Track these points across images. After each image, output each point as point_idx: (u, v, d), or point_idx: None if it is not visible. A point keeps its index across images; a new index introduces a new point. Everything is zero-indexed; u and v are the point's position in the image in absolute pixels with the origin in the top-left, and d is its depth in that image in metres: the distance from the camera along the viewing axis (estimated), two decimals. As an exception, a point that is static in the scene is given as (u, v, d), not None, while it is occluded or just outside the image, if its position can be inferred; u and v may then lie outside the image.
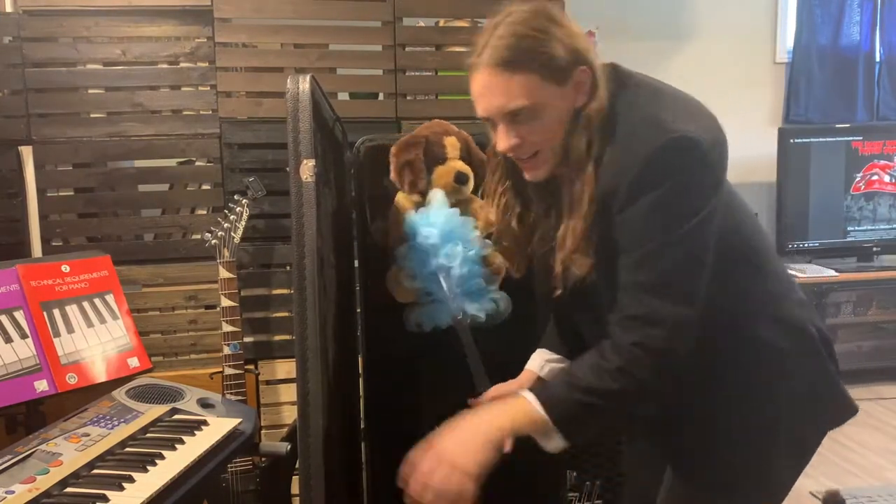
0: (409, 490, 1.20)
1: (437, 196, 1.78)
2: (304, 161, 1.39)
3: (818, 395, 1.32)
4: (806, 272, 3.99)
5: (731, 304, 1.27)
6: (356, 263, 2.01)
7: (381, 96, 2.64)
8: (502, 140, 1.25)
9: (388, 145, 1.85)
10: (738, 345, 1.28)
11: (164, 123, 2.50)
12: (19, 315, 1.73)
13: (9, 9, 2.52)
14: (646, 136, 1.16)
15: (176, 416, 1.58)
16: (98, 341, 1.83)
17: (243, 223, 2.26)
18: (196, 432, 1.50)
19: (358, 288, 2.03)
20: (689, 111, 1.23)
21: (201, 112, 2.52)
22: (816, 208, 4.13)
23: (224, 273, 2.22)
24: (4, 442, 1.52)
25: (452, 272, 1.71)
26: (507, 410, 1.22)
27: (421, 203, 1.81)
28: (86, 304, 1.86)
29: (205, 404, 1.66)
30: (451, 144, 1.84)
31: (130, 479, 1.29)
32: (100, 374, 1.80)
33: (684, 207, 1.16)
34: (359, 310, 2.04)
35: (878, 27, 4.31)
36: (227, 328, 2.23)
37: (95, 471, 1.33)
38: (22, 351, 1.70)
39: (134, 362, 1.88)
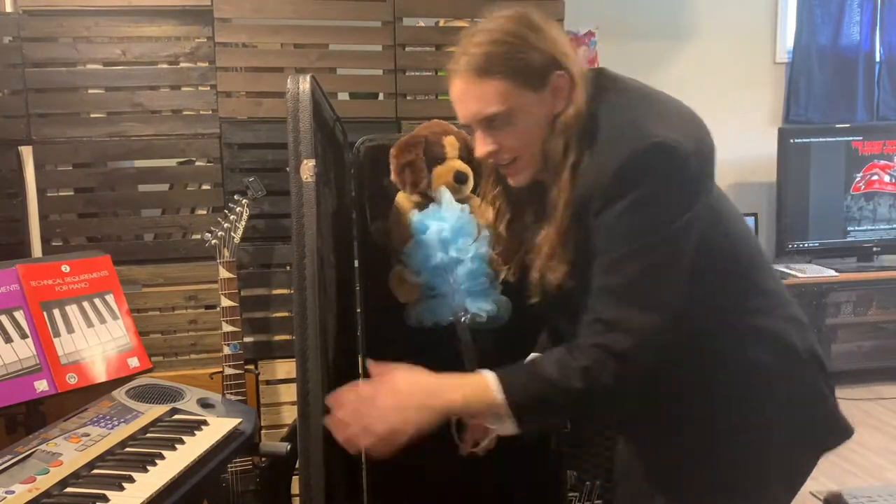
0: (340, 411, 1.21)
1: (445, 193, 1.78)
2: (305, 161, 1.39)
3: (807, 415, 1.29)
4: (806, 272, 3.99)
5: (710, 315, 1.25)
6: (356, 263, 2.01)
7: (381, 96, 2.64)
8: (480, 146, 1.26)
9: (388, 145, 1.85)
10: (719, 357, 1.26)
11: (164, 123, 2.50)
12: (19, 315, 1.73)
13: (9, 9, 2.52)
14: (622, 141, 1.15)
15: (176, 416, 1.58)
16: (98, 341, 1.83)
17: (243, 223, 2.26)
18: (196, 432, 1.50)
19: (358, 288, 2.03)
20: (673, 117, 1.21)
21: (201, 112, 2.52)
22: (816, 208, 4.13)
23: (224, 273, 2.22)
24: (4, 442, 1.52)
25: (461, 268, 1.71)
26: (464, 386, 1.22)
27: (422, 203, 1.81)
28: (86, 304, 1.86)
29: (205, 404, 1.67)
30: (451, 144, 1.84)
31: (130, 479, 1.29)
32: (100, 374, 1.80)
33: (659, 214, 1.14)
34: (359, 310, 2.04)
35: (878, 27, 4.31)
36: (227, 328, 2.23)
37: (95, 471, 1.33)
38: (22, 351, 1.70)
39: (134, 362, 1.88)
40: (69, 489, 1.27)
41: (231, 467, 2.19)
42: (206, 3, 2.45)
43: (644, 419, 1.35)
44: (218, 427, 1.53)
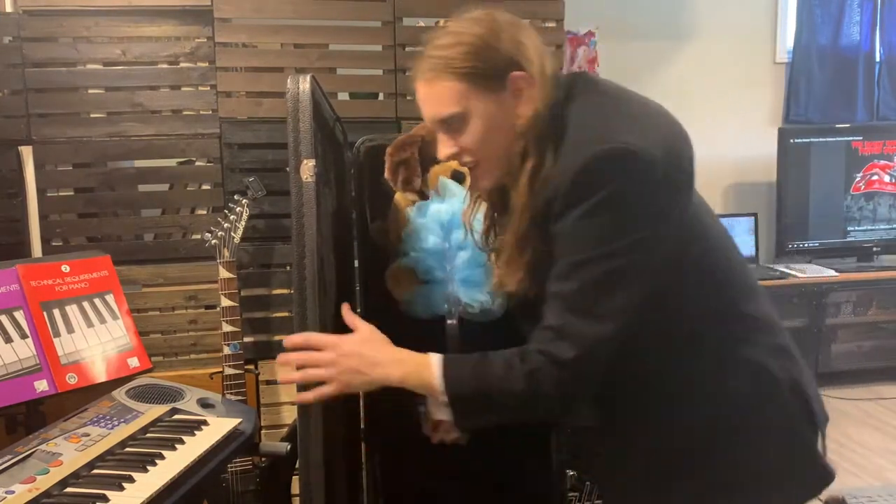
0: (294, 354, 1.29)
1: (447, 182, 1.77)
2: (304, 161, 1.39)
3: (781, 453, 1.22)
4: (806, 272, 4.00)
5: (687, 339, 1.21)
6: (356, 263, 2.01)
7: (381, 96, 2.64)
8: (441, 148, 1.26)
9: (387, 145, 1.85)
10: (697, 383, 1.22)
11: (164, 123, 2.50)
12: (19, 315, 1.73)
13: (9, 9, 2.52)
14: (584, 145, 1.12)
15: (176, 416, 1.58)
16: (98, 341, 1.83)
17: (243, 223, 2.26)
18: (196, 432, 1.50)
19: (358, 288, 2.03)
20: (645, 123, 1.16)
21: (201, 112, 2.52)
22: (816, 208, 4.14)
23: (224, 273, 2.22)
24: (4, 442, 1.52)
25: (460, 255, 1.69)
26: (407, 363, 1.25)
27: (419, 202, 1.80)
28: (86, 304, 1.86)
29: (205, 404, 1.66)
30: (449, 144, 1.83)
31: (130, 479, 1.29)
32: (100, 374, 1.80)
33: (618, 222, 1.11)
34: (359, 310, 2.04)
35: (878, 27, 4.31)
36: (227, 328, 2.23)
37: (95, 471, 1.33)
38: (22, 351, 1.70)
39: (134, 362, 1.88)
40: (69, 489, 1.27)
41: (231, 467, 2.19)
42: (206, 3, 2.45)
43: (610, 435, 1.31)
44: (218, 427, 1.53)
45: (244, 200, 2.27)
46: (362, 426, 2.04)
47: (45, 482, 1.25)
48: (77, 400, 1.67)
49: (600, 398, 1.25)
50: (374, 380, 1.27)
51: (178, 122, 2.51)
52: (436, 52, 1.21)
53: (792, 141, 4.08)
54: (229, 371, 2.22)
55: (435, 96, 1.22)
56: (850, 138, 4.14)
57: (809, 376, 1.28)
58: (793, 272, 4.00)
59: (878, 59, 4.34)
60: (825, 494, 2.63)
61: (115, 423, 1.50)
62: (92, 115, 2.47)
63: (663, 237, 1.13)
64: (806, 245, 4.16)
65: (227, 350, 2.22)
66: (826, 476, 1.25)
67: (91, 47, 2.45)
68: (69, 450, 1.37)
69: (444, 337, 1.74)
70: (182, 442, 1.45)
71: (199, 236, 2.46)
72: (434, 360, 1.22)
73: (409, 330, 1.81)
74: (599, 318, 1.12)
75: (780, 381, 1.22)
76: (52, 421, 1.53)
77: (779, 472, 1.22)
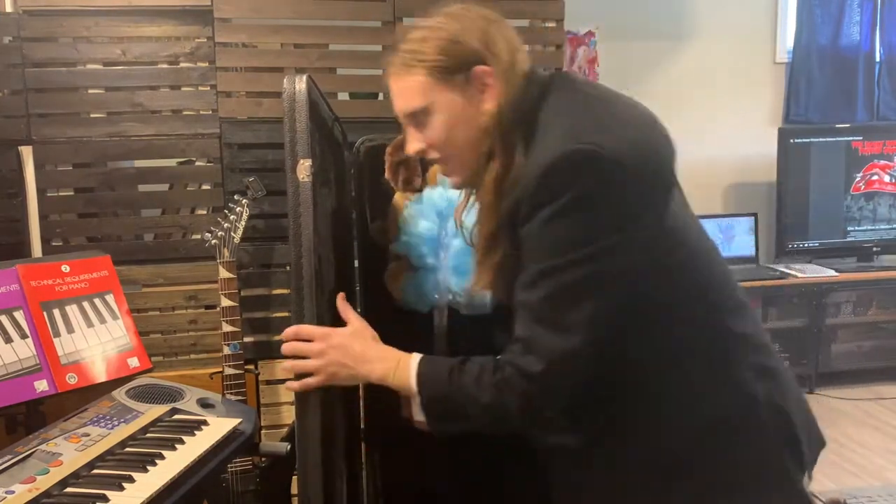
0: (294, 344, 1.31)
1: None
2: (301, 161, 1.38)
3: (760, 482, 1.16)
4: (806, 272, 4.00)
5: (664, 354, 1.16)
6: (356, 263, 2.01)
7: (381, 96, 2.64)
8: (409, 143, 1.27)
9: (387, 145, 1.85)
10: (673, 401, 1.17)
11: (164, 123, 2.50)
12: (19, 315, 1.73)
13: (9, 9, 2.52)
14: (552, 146, 1.07)
15: (176, 416, 1.58)
16: (98, 341, 1.83)
17: (243, 223, 2.26)
18: (196, 432, 1.50)
19: (358, 288, 2.03)
20: (620, 124, 1.11)
21: (201, 112, 2.52)
22: (816, 208, 4.14)
23: (224, 273, 2.22)
24: (4, 442, 1.52)
25: (455, 242, 1.66)
26: (389, 362, 1.26)
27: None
28: (86, 304, 1.86)
29: (205, 404, 1.66)
30: (450, 144, 1.83)
31: (130, 479, 1.29)
32: (100, 374, 1.80)
33: (584, 226, 1.06)
34: (359, 310, 2.04)
35: (878, 27, 4.31)
36: (227, 328, 2.23)
37: (95, 471, 1.33)
38: (22, 351, 1.70)
39: (134, 362, 1.88)
40: (69, 489, 1.27)
41: (231, 467, 2.19)
42: (206, 3, 2.45)
43: (586, 452, 1.25)
44: (218, 427, 1.53)
45: (244, 200, 2.27)
46: (362, 426, 2.04)
47: (45, 482, 1.25)
48: (77, 400, 1.67)
49: (580, 410, 1.20)
50: (358, 374, 1.28)
51: (178, 122, 2.51)
52: (406, 46, 1.22)
53: (792, 141, 4.08)
54: (229, 371, 2.22)
55: (403, 91, 1.23)
56: (850, 138, 4.14)
57: (799, 401, 1.23)
58: (793, 272, 4.00)
59: (878, 59, 4.34)
60: (827, 500, 2.63)
61: (115, 423, 1.50)
62: (92, 115, 2.48)
63: (635, 242, 1.08)
64: (806, 245, 4.16)
65: (227, 350, 2.22)
66: None
67: (91, 47, 2.45)
68: (69, 450, 1.37)
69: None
70: (182, 442, 1.45)
71: (199, 236, 2.46)
72: (413, 362, 1.22)
73: (409, 329, 1.82)
74: (566, 331, 1.08)
75: (763, 406, 1.16)
76: (52, 421, 1.53)
77: (754, 497, 1.17)
